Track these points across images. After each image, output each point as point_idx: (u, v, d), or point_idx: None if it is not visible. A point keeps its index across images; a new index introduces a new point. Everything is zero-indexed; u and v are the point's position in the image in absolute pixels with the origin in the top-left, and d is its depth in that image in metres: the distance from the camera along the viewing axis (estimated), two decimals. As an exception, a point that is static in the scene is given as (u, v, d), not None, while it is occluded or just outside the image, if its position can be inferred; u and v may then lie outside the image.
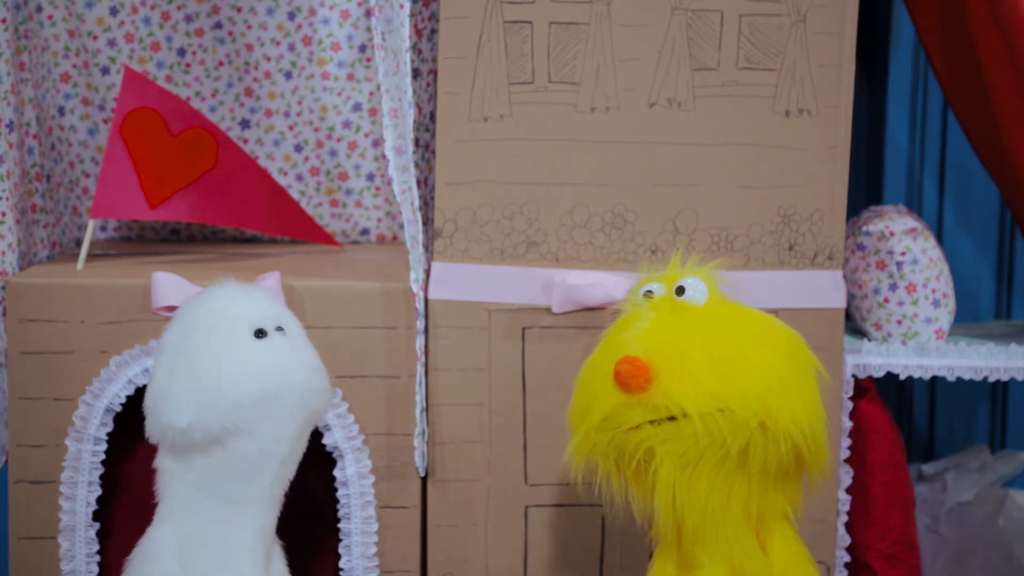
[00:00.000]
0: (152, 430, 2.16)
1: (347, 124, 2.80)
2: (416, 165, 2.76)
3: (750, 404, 2.02)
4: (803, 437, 2.04)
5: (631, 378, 2.03)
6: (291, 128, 2.80)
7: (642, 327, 2.10)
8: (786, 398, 2.04)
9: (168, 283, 2.35)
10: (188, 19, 2.76)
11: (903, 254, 2.55)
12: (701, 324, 2.09)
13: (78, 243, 2.75)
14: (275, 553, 2.23)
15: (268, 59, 2.78)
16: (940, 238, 3.01)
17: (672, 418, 2.03)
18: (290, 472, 2.20)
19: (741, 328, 2.10)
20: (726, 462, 2.04)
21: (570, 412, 2.15)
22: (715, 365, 2.04)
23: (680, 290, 2.12)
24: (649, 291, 2.15)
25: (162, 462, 2.18)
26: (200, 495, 2.15)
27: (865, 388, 2.55)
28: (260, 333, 2.15)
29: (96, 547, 2.39)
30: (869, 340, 2.58)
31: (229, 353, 2.13)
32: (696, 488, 2.05)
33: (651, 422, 2.04)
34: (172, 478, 2.17)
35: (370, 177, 2.83)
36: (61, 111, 2.74)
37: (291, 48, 2.77)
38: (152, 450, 2.22)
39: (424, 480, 2.44)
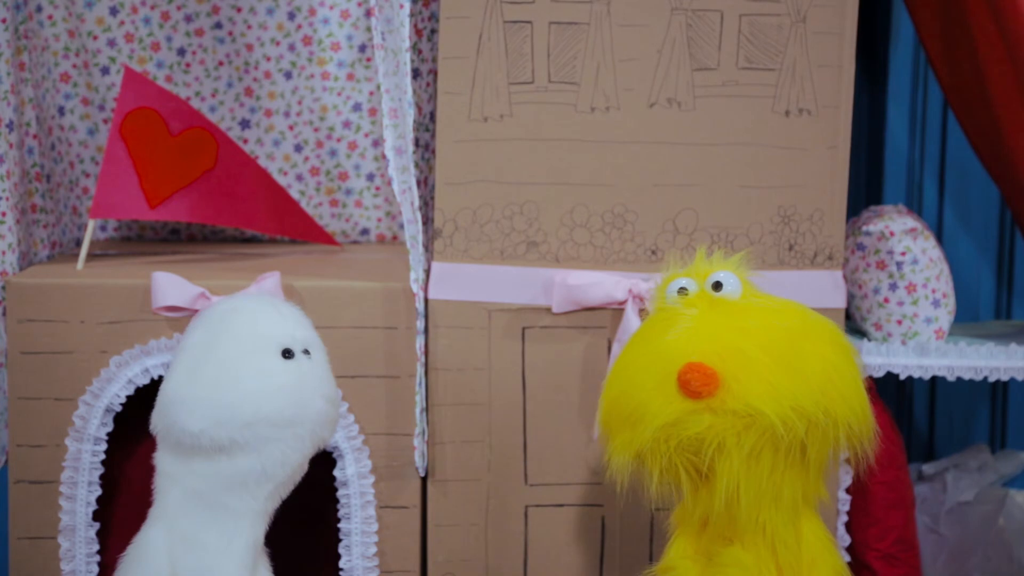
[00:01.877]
0: (160, 425, 2.15)
1: (347, 124, 2.80)
2: (416, 165, 2.76)
3: (816, 397, 2.03)
4: (858, 424, 2.06)
5: (702, 386, 2.02)
6: (291, 128, 2.80)
7: (687, 327, 2.09)
8: (843, 387, 2.06)
9: (168, 283, 2.35)
10: (188, 19, 2.76)
11: (903, 254, 2.55)
12: (749, 320, 2.09)
13: (78, 243, 2.75)
14: (260, 563, 2.23)
15: (268, 59, 2.78)
16: (940, 238, 3.01)
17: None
18: (286, 492, 2.19)
19: (788, 321, 2.10)
20: (790, 454, 2.04)
21: (607, 414, 2.12)
22: (777, 362, 2.04)
23: (717, 285, 2.12)
24: (683, 287, 2.13)
25: (161, 460, 2.18)
26: (195, 500, 2.15)
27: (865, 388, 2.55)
28: (287, 353, 2.14)
29: (96, 547, 2.39)
30: (869, 340, 2.58)
31: (254, 369, 2.12)
32: (759, 480, 2.05)
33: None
34: (169, 479, 2.17)
35: (370, 177, 2.83)
36: (61, 111, 2.74)
37: (291, 48, 2.77)
38: (152, 450, 2.22)
39: (424, 480, 2.44)
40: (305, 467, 2.19)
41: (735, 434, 2.03)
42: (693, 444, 2.04)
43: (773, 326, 2.09)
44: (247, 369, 2.12)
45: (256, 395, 2.11)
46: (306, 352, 2.16)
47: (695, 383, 2.02)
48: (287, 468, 2.15)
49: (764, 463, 2.05)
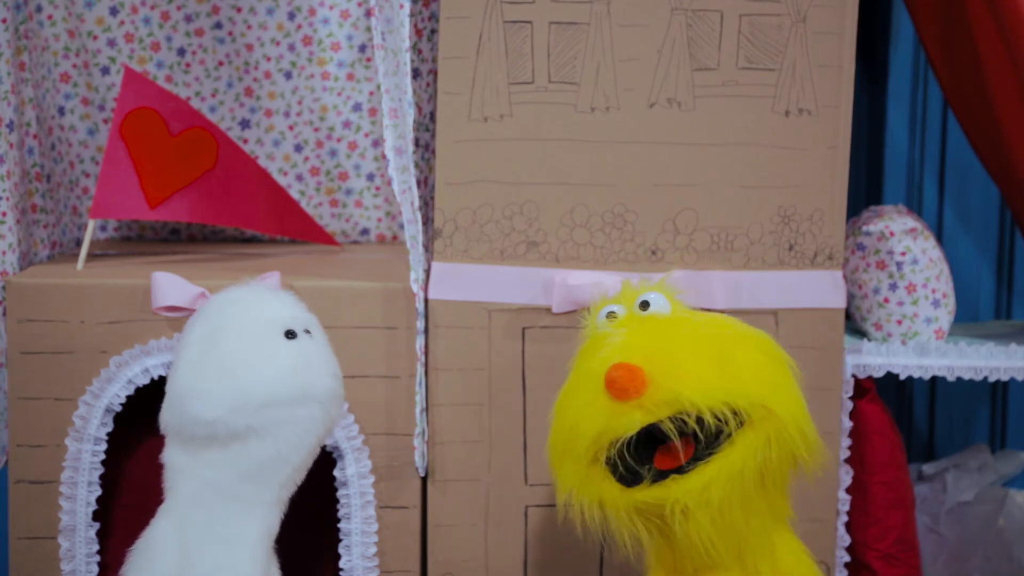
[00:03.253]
0: (172, 422, 2.15)
1: (347, 124, 2.80)
2: (416, 165, 2.76)
3: (748, 395, 2.00)
4: (799, 431, 2.03)
5: (628, 382, 1.98)
6: (291, 128, 2.80)
7: (615, 343, 2.06)
8: (778, 392, 2.03)
9: (168, 283, 2.35)
10: (188, 19, 2.76)
11: (903, 254, 2.55)
12: (677, 330, 2.08)
13: (78, 243, 2.75)
14: (271, 560, 2.23)
15: (268, 59, 2.78)
16: (940, 238, 3.01)
17: (681, 469, 2.00)
18: (300, 477, 2.20)
19: (716, 330, 2.09)
20: (744, 478, 2.00)
21: (551, 452, 2.10)
22: (706, 362, 2.02)
23: (644, 304, 2.11)
24: (611, 312, 2.13)
25: (171, 456, 2.18)
26: (209, 491, 2.16)
27: (865, 388, 2.55)
28: (290, 334, 2.17)
29: (96, 547, 2.39)
30: (869, 340, 2.58)
31: (262, 352, 2.14)
32: (728, 519, 2.01)
33: (675, 475, 2.00)
34: (180, 474, 2.17)
35: (370, 177, 2.83)
36: (61, 111, 2.74)
37: (291, 48, 2.77)
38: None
39: (424, 480, 2.44)
40: (317, 451, 2.20)
41: (693, 491, 1.98)
42: (653, 510, 2.01)
43: (702, 334, 2.07)
44: (255, 353, 2.14)
45: (267, 377, 2.13)
46: (307, 332, 2.18)
47: (620, 380, 1.98)
48: (302, 450, 2.17)
49: (728, 500, 2.00)
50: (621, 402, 1.99)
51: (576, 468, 2.05)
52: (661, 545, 2.08)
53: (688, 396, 1.98)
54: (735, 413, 1.99)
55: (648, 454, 2.03)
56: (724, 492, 2.00)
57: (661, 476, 2.02)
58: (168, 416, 2.16)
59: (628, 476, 2.02)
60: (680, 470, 2.01)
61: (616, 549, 2.08)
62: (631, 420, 2.00)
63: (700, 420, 1.99)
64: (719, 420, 1.98)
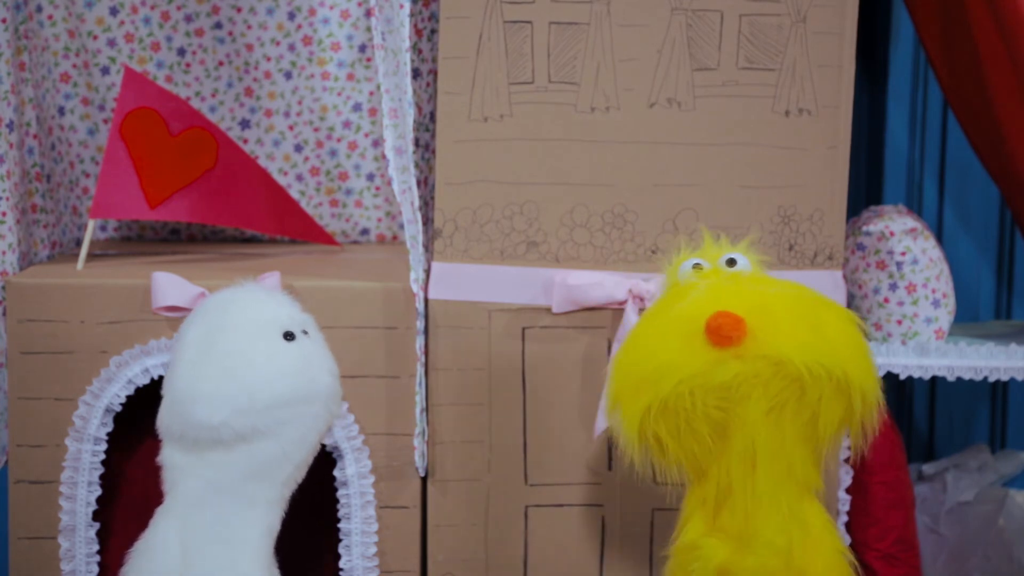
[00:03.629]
0: (173, 426, 2.15)
1: (347, 124, 2.80)
2: (416, 165, 2.76)
3: (836, 358, 2.04)
4: (870, 395, 2.07)
5: (732, 331, 2.02)
6: (291, 128, 2.80)
7: (705, 292, 2.10)
8: (859, 356, 2.08)
9: (168, 283, 2.35)
10: (188, 19, 2.76)
11: (903, 254, 2.55)
12: (768, 287, 2.11)
13: (78, 243, 2.75)
14: (272, 559, 2.24)
15: (268, 59, 2.78)
16: (940, 238, 3.01)
17: None
18: (301, 475, 2.21)
19: (804, 293, 2.12)
20: (806, 416, 2.05)
21: (620, 383, 2.10)
22: (799, 320, 2.06)
23: (731, 262, 2.14)
24: (697, 264, 2.15)
25: (169, 457, 2.18)
26: (211, 490, 2.16)
27: (865, 388, 2.55)
28: (289, 336, 2.17)
29: (96, 547, 2.39)
30: (869, 340, 2.58)
31: (263, 354, 2.15)
32: (776, 442, 2.06)
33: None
34: (182, 472, 2.17)
35: (370, 177, 2.83)
36: (61, 111, 2.74)
37: (291, 48, 2.77)
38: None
39: (424, 480, 2.44)
40: (317, 448, 2.21)
41: (763, 383, 2.04)
42: (718, 393, 2.04)
43: (790, 294, 2.11)
44: (255, 355, 2.14)
45: (269, 379, 2.14)
46: (304, 332, 2.19)
47: (726, 328, 2.02)
48: (305, 448, 2.18)
49: (784, 421, 2.04)
50: (720, 349, 2.03)
51: (653, 402, 2.06)
52: (707, 463, 2.08)
53: (787, 352, 2.03)
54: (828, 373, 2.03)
55: None
56: (782, 388, 2.04)
57: None
58: (168, 420, 2.16)
59: None
60: None
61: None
62: (729, 369, 2.04)
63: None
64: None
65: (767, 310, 2.06)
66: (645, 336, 2.12)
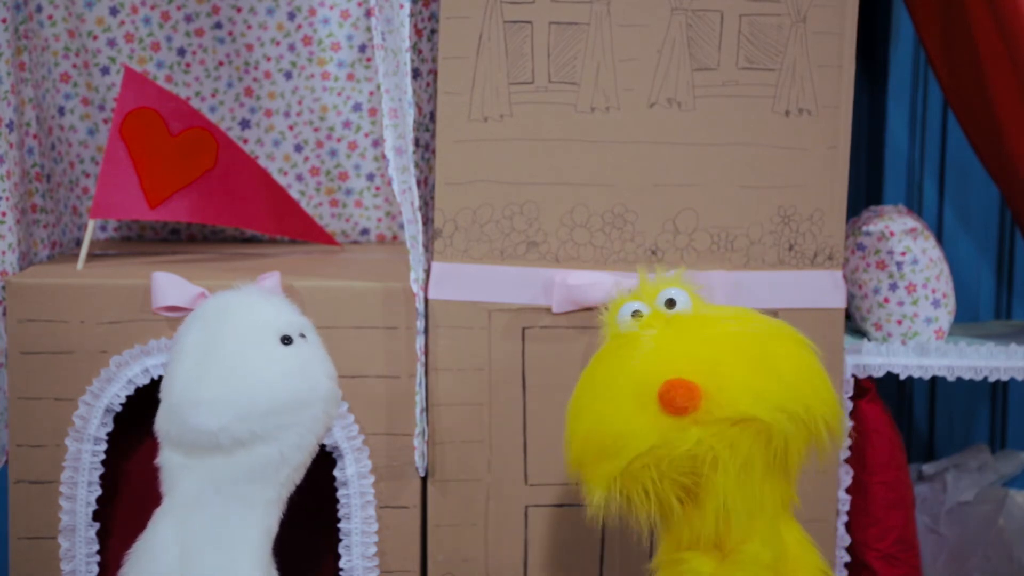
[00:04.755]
0: (172, 431, 2.15)
1: (347, 124, 2.80)
2: (416, 165, 2.76)
3: (794, 395, 2.03)
4: (833, 420, 2.06)
5: (687, 401, 1.99)
6: (291, 128, 2.80)
7: (651, 347, 2.07)
8: (816, 384, 2.06)
9: (168, 283, 2.35)
10: (188, 19, 2.76)
11: (903, 254, 2.55)
12: (711, 330, 2.09)
13: (78, 243, 2.75)
14: (270, 560, 2.23)
15: (268, 59, 2.78)
16: (940, 238, 3.01)
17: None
18: (299, 476, 2.21)
19: (749, 327, 2.10)
20: (776, 459, 2.03)
21: (580, 449, 2.09)
22: (752, 367, 2.03)
23: (670, 303, 2.12)
24: (636, 311, 2.13)
25: (168, 460, 2.18)
26: (210, 491, 2.16)
27: (865, 388, 2.55)
28: (286, 340, 2.17)
29: (96, 547, 2.39)
30: (869, 340, 2.58)
31: (262, 358, 2.15)
32: (750, 491, 2.03)
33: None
34: (180, 473, 2.17)
35: (370, 177, 2.83)
36: (61, 111, 2.74)
37: (291, 48, 2.77)
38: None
39: (424, 480, 2.44)
40: (316, 450, 2.21)
41: (728, 444, 2.01)
42: (684, 463, 2.02)
43: (736, 333, 2.08)
44: (254, 360, 2.15)
45: (268, 384, 2.14)
46: (302, 336, 2.19)
47: (680, 399, 2.00)
48: (303, 451, 2.18)
49: (755, 472, 2.03)
50: (675, 417, 2.00)
51: (616, 473, 2.04)
52: (680, 524, 2.08)
53: (745, 407, 2.00)
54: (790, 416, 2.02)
55: None
56: (750, 445, 2.01)
57: None
58: (166, 425, 2.16)
59: None
60: None
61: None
62: (689, 436, 2.01)
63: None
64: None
65: (719, 366, 2.03)
66: (599, 399, 2.09)
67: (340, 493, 2.41)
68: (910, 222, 2.58)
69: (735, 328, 2.09)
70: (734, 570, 2.07)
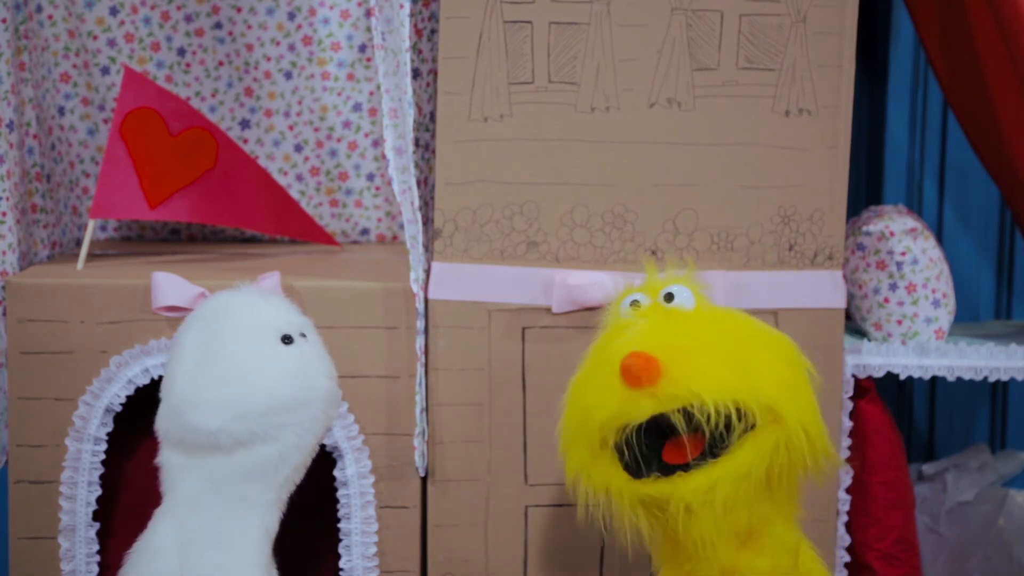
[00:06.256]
0: (172, 431, 2.16)
1: (347, 124, 2.80)
2: (416, 165, 2.76)
3: (761, 399, 2.01)
4: (807, 436, 2.04)
5: (642, 371, 2.00)
6: (291, 128, 2.80)
7: (636, 332, 2.08)
8: (791, 397, 2.04)
9: (168, 283, 2.35)
10: (188, 19, 2.76)
11: (903, 254, 2.55)
12: (697, 325, 2.09)
13: (78, 243, 2.75)
14: (270, 561, 2.24)
15: (268, 59, 2.78)
16: (940, 238, 3.01)
17: (687, 467, 2.01)
18: (299, 477, 2.21)
19: (738, 330, 2.10)
20: (750, 481, 2.01)
21: (564, 436, 2.11)
22: (724, 361, 2.03)
23: (669, 297, 2.12)
24: (635, 301, 2.14)
25: (168, 459, 2.18)
26: (210, 491, 2.16)
27: (865, 388, 2.55)
28: (287, 339, 2.17)
29: (96, 547, 2.39)
30: (869, 340, 2.58)
31: (261, 358, 2.15)
32: (731, 519, 2.02)
33: (681, 472, 2.02)
34: (180, 473, 2.17)
35: (370, 177, 2.83)
36: (61, 111, 2.74)
37: (291, 48, 2.77)
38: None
39: (424, 480, 2.44)
40: (316, 450, 2.21)
41: (696, 491, 1.99)
42: (659, 502, 2.02)
43: (722, 331, 2.08)
44: (254, 360, 2.15)
45: (268, 384, 2.14)
46: (303, 335, 2.19)
47: (635, 367, 2.00)
48: (303, 451, 2.18)
49: (733, 501, 2.01)
50: (634, 389, 2.01)
51: (585, 451, 2.07)
52: (662, 539, 2.09)
53: (697, 391, 2.00)
54: (742, 413, 2.00)
55: (657, 446, 2.04)
56: (728, 494, 2.00)
57: (667, 471, 2.02)
58: (166, 425, 2.16)
59: (634, 467, 2.04)
60: (686, 467, 2.02)
61: (618, 538, 2.09)
62: (641, 408, 2.01)
63: (710, 417, 2.00)
64: (726, 418, 1.99)
65: (686, 349, 2.03)
66: (577, 381, 2.11)
67: (340, 493, 2.41)
68: (910, 222, 2.58)
69: (722, 327, 2.09)
70: (755, 556, 2.07)
